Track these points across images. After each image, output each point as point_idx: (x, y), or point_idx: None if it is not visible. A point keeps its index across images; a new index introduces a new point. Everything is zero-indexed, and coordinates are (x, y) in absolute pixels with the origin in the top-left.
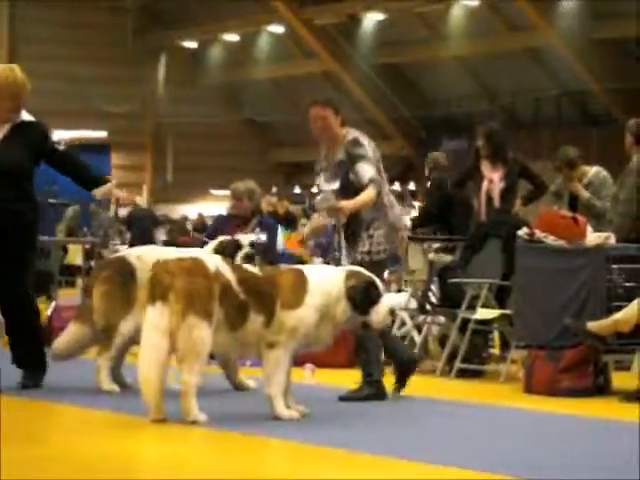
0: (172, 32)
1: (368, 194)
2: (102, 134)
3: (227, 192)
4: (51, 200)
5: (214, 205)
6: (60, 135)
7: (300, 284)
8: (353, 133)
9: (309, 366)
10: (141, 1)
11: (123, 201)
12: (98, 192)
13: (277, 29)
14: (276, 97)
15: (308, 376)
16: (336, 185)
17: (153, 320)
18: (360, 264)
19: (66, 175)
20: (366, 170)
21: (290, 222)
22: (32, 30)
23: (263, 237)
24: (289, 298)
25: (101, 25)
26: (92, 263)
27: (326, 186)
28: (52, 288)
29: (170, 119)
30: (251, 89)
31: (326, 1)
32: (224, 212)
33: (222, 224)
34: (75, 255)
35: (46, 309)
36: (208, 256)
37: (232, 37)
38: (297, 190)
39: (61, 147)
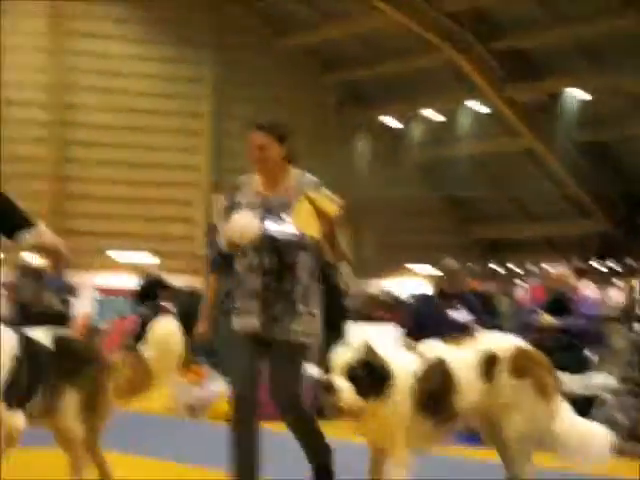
0: (373, 109)
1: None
2: None
3: (424, 268)
4: None
5: (412, 281)
6: None
7: None
8: (310, 176)
9: None
10: (343, 79)
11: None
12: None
13: (478, 106)
14: (476, 174)
15: None
16: (291, 229)
17: None
18: (287, 346)
19: None
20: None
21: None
22: (235, 108)
23: (465, 314)
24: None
25: (304, 103)
26: None
27: (273, 226)
28: None
29: (369, 195)
30: (451, 166)
31: (528, 79)
32: (424, 288)
33: (426, 303)
34: None
35: None
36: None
37: (434, 114)
38: (495, 267)
39: None
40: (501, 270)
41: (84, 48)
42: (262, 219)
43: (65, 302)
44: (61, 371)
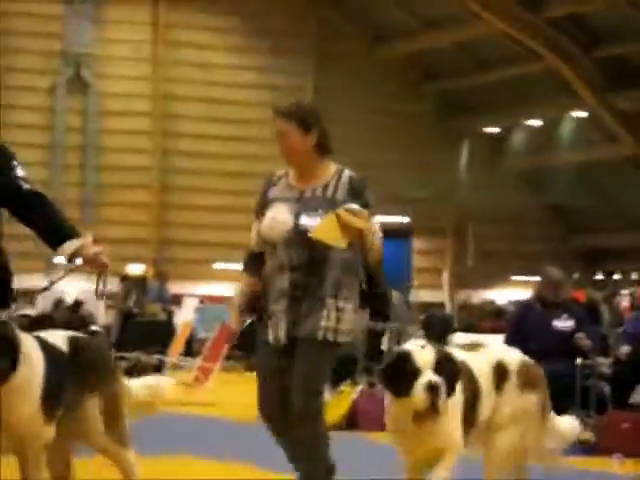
0: (474, 118)
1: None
2: (404, 219)
3: (528, 278)
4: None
5: (514, 291)
6: None
7: None
8: (347, 170)
9: (618, 455)
10: (443, 87)
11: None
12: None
13: (580, 114)
14: (578, 182)
15: (616, 466)
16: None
17: None
18: (310, 343)
19: (29, 226)
20: (377, 226)
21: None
22: (335, 114)
23: (570, 323)
24: None
25: (404, 112)
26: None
27: (307, 221)
28: (357, 372)
29: (471, 204)
30: (553, 174)
31: (629, 86)
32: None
33: (527, 310)
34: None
35: (350, 394)
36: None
37: (535, 122)
38: (599, 276)
39: (27, 186)
40: (604, 279)
41: (185, 58)
42: (296, 214)
43: (167, 311)
44: (80, 377)
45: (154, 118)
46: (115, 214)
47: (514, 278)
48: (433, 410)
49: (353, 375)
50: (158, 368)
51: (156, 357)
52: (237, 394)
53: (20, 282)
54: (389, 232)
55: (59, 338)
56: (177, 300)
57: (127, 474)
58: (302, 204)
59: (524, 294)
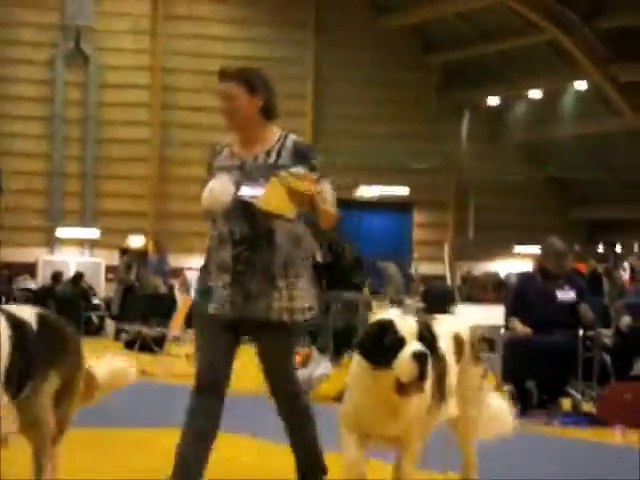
0: (475, 89)
1: (334, 208)
2: (404, 190)
3: (528, 249)
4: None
5: (516, 262)
6: (365, 191)
7: None
8: (292, 135)
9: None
10: (445, 59)
11: None
12: None
13: (582, 86)
14: (579, 154)
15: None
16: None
17: None
18: (268, 327)
19: None
20: (330, 190)
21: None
22: (337, 90)
23: (572, 294)
24: None
25: (405, 83)
26: None
27: (248, 191)
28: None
29: (472, 176)
30: (554, 146)
31: (632, 58)
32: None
33: (529, 281)
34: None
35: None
36: None
37: (536, 94)
38: (600, 248)
39: None
40: (605, 251)
41: (183, 31)
42: (237, 184)
43: (168, 284)
44: (45, 355)
45: (153, 91)
46: (114, 187)
47: (515, 250)
48: (418, 383)
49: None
50: (160, 341)
51: (157, 330)
52: (238, 367)
53: (23, 256)
54: (390, 205)
55: (29, 313)
56: (177, 273)
57: (40, 459)
58: (243, 173)
59: (525, 266)
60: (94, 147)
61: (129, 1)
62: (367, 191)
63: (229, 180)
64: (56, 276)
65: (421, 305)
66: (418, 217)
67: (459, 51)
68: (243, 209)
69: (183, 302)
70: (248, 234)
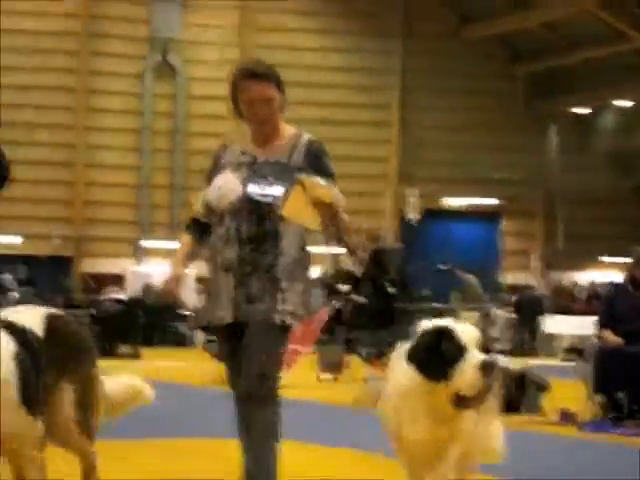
0: (563, 99)
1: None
2: (492, 202)
3: (617, 259)
4: (441, 267)
5: (605, 272)
6: (452, 200)
7: None
8: (306, 134)
9: None
10: (532, 68)
11: None
12: None
13: None
14: None
15: None
16: (277, 191)
17: None
18: (266, 326)
19: None
20: (340, 196)
21: None
22: (423, 100)
23: None
24: None
25: (492, 93)
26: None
27: (257, 189)
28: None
29: (560, 186)
30: None
31: None
32: (618, 279)
33: (619, 291)
34: (469, 322)
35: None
36: None
37: (625, 103)
38: None
39: None
40: None
41: (271, 42)
42: (245, 181)
43: None
44: (56, 360)
45: None
46: None
47: (604, 260)
48: (481, 396)
49: None
50: None
51: None
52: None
53: (109, 266)
54: (478, 214)
55: (36, 317)
56: None
57: (89, 468)
58: (253, 170)
59: (614, 276)
60: (182, 159)
61: (217, 13)
62: (454, 201)
63: (237, 177)
64: (146, 288)
65: (512, 315)
66: (506, 226)
67: (546, 60)
68: (251, 208)
69: None
70: (255, 233)
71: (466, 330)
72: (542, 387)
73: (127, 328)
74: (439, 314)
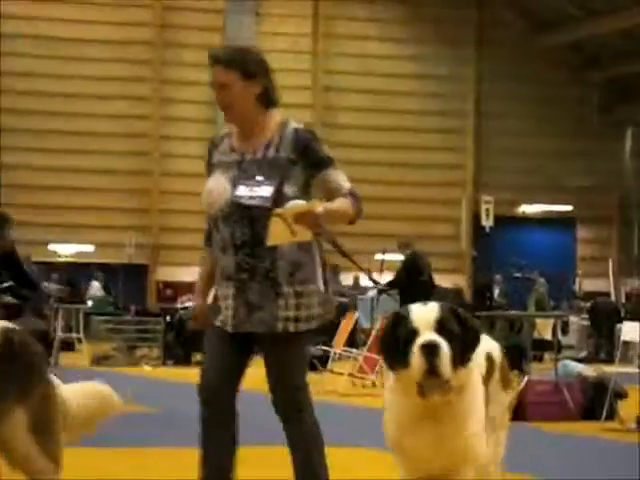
0: (637, 105)
1: (347, 203)
2: (567, 208)
3: None
4: (516, 274)
5: None
6: (527, 207)
7: None
8: (293, 121)
9: None
10: (606, 75)
11: None
12: None
13: None
14: None
15: None
16: (265, 191)
17: None
18: (273, 339)
19: None
20: (343, 179)
21: None
22: (498, 107)
23: None
24: None
25: (566, 100)
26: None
27: (246, 192)
28: (524, 363)
29: (636, 192)
30: None
31: None
32: None
33: None
34: (544, 329)
35: (518, 384)
36: None
37: None
38: None
39: None
40: None
41: (344, 50)
42: (234, 182)
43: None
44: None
45: (315, 110)
46: None
47: None
48: (434, 381)
49: (520, 365)
50: (324, 359)
51: (321, 348)
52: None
53: (185, 275)
54: (553, 221)
55: None
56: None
57: None
58: (241, 170)
59: None
60: None
61: (289, 21)
62: (529, 208)
63: (225, 180)
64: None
65: (586, 322)
66: (581, 233)
67: (620, 67)
68: (241, 212)
69: (347, 319)
70: (249, 238)
71: (420, 311)
72: (620, 394)
73: (202, 336)
74: (513, 321)
